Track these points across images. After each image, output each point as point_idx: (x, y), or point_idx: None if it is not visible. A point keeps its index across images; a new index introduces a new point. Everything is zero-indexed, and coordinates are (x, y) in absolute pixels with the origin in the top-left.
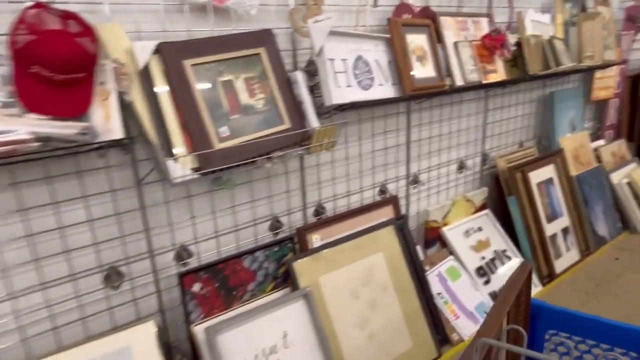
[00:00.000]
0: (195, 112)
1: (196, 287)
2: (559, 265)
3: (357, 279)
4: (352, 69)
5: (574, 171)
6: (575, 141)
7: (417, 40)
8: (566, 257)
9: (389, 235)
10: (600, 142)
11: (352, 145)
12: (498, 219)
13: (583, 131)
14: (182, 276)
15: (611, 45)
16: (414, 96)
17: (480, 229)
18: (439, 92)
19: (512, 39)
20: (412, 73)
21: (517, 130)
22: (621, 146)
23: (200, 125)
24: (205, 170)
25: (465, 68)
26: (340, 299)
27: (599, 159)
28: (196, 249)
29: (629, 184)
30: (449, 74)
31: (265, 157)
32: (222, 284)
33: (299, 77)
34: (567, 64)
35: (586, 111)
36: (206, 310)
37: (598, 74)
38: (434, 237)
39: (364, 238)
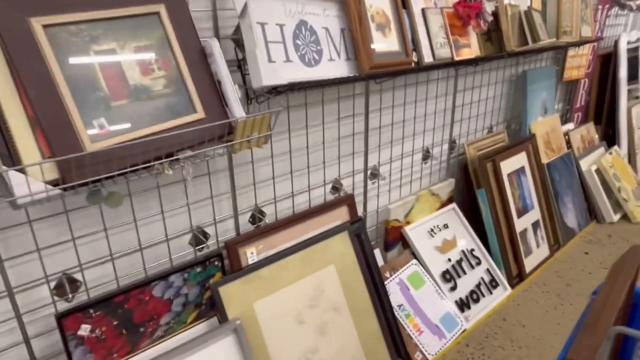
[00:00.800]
0: (53, 99)
1: (84, 330)
2: (529, 263)
3: (303, 301)
4: (293, 38)
5: (545, 158)
6: (546, 125)
7: (377, 3)
8: (536, 253)
9: (342, 243)
10: (570, 125)
11: (298, 134)
12: (466, 214)
13: (554, 114)
14: (60, 317)
15: (588, 19)
16: (373, 75)
17: (446, 226)
18: (404, 70)
19: (489, 7)
20: (371, 46)
21: (487, 114)
22: (590, 129)
23: (61, 117)
24: (71, 184)
25: (434, 41)
26: (281, 327)
27: (569, 144)
28: (85, 277)
29: (598, 171)
30: (415, 47)
31: (167, 160)
32: (124, 321)
33: (216, 48)
34: (545, 39)
35: (557, 92)
36: (101, 357)
37: (571, 52)
38: (396, 238)
39: (312, 249)
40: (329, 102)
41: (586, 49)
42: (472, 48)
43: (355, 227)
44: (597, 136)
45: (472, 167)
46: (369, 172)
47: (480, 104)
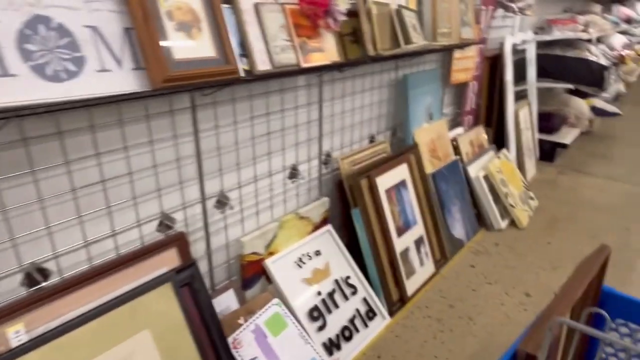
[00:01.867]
0: None
1: None
2: (412, 284)
3: None
4: (18, 41)
5: (430, 168)
6: (431, 132)
7: None
8: (420, 273)
9: (162, 299)
10: (459, 130)
11: (106, 158)
12: (344, 236)
13: (441, 119)
14: None
15: (469, 21)
16: (174, 88)
17: (318, 253)
18: (225, 81)
19: (343, 4)
20: (165, 51)
21: (367, 122)
22: (479, 133)
23: None
24: None
25: (272, 44)
26: None
27: (457, 150)
28: None
29: (486, 177)
30: (246, 52)
31: None
32: None
33: None
34: (418, 42)
35: (446, 96)
36: None
37: (457, 54)
38: (256, 273)
39: (113, 314)
40: (132, 123)
41: (472, 51)
42: (326, 52)
43: (184, 276)
44: (486, 140)
45: (348, 184)
46: (214, 199)
47: (357, 112)
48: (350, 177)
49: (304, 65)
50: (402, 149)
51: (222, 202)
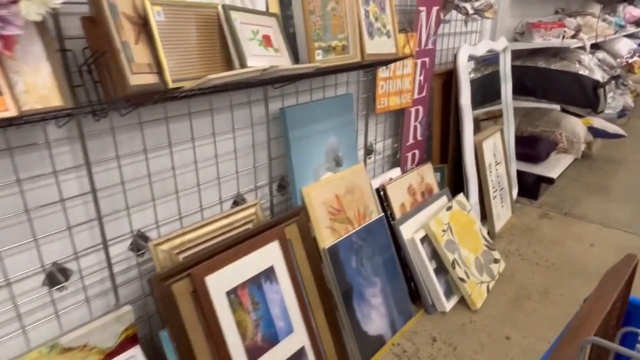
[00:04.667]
0: None
1: None
2: None
3: None
4: None
5: (329, 238)
6: (335, 186)
7: None
8: None
9: None
10: (394, 172)
11: None
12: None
13: (356, 164)
14: None
15: (388, 29)
16: None
17: None
18: None
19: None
20: None
21: (228, 178)
22: (425, 175)
23: None
24: None
25: None
26: None
27: (384, 203)
28: None
29: (426, 239)
30: None
31: None
32: None
33: None
34: (259, 64)
35: (376, 127)
36: None
37: (383, 72)
38: None
39: None
40: None
41: (409, 68)
42: (31, 93)
43: None
44: (436, 183)
45: (154, 289)
46: None
47: (207, 165)
48: (157, 278)
49: None
50: (277, 217)
51: None
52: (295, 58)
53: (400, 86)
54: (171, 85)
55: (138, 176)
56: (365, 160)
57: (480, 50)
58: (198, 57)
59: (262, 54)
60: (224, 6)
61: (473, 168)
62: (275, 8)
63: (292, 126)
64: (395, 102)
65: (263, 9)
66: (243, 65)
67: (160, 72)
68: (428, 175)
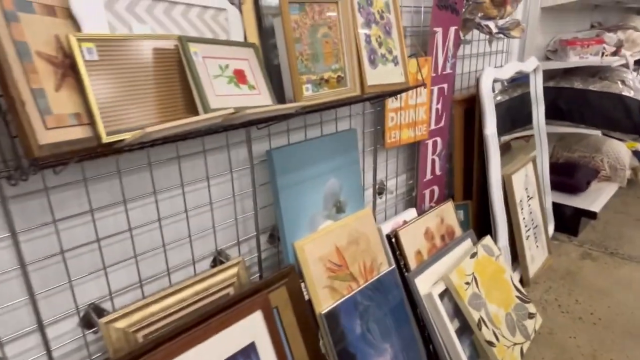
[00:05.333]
0: None
1: None
2: None
3: None
4: None
5: (328, 300)
6: (335, 237)
7: None
8: None
9: None
10: (409, 214)
11: None
12: None
13: (360, 210)
14: None
15: (395, 54)
16: None
17: None
18: None
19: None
20: None
21: (204, 235)
22: (446, 215)
23: None
24: None
25: None
26: None
27: (396, 252)
28: None
29: (446, 294)
30: None
31: None
32: None
33: None
34: (224, 106)
35: (392, 163)
36: None
37: (393, 103)
38: None
39: None
40: None
41: (424, 97)
42: None
43: None
44: (458, 224)
45: None
46: None
47: (176, 219)
48: None
49: None
50: (263, 280)
51: None
52: (282, 94)
53: (413, 117)
54: (106, 139)
55: (89, 239)
56: (374, 202)
57: (507, 72)
58: (151, 101)
59: (232, 93)
60: (180, 38)
61: (501, 206)
62: (253, 37)
63: (281, 170)
64: (409, 135)
65: (240, 38)
66: (205, 108)
67: (92, 123)
68: (449, 215)
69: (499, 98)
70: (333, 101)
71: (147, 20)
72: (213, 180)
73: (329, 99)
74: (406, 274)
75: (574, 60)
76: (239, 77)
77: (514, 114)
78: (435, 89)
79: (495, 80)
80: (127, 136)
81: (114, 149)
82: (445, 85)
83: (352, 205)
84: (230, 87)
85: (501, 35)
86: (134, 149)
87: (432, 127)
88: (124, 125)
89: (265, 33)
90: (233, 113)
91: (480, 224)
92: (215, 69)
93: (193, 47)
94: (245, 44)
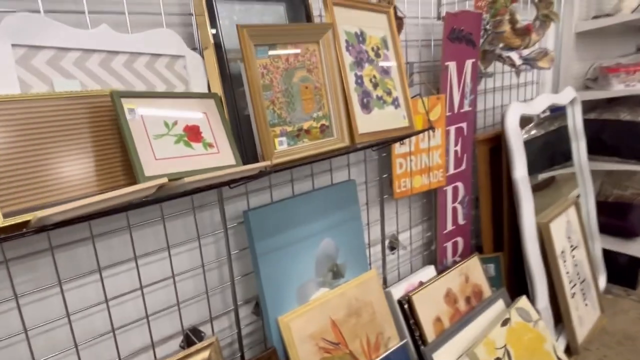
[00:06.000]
0: None
1: None
2: None
3: None
4: None
5: None
6: (333, 308)
7: None
8: None
9: None
10: (426, 273)
11: None
12: None
13: (363, 274)
14: None
15: (396, 95)
16: None
17: None
18: None
19: None
20: None
21: (169, 313)
22: (471, 273)
23: None
24: None
25: None
26: None
27: (409, 321)
28: None
29: None
30: None
31: None
32: None
33: None
34: (165, 172)
35: (404, 214)
36: None
37: (400, 147)
38: None
39: None
40: None
41: (439, 138)
42: None
43: None
44: (486, 282)
45: None
46: None
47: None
48: None
49: None
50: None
51: None
52: (255, 149)
53: (427, 162)
54: (1, 223)
55: (11, 334)
56: (384, 260)
57: (538, 106)
58: (80, 169)
59: (180, 155)
60: (112, 93)
61: (538, 259)
62: (217, 86)
63: (260, 234)
64: (422, 183)
65: (203, 87)
66: (138, 177)
67: None
68: (475, 272)
69: (533, 132)
70: (314, 155)
71: (77, 74)
72: (183, 246)
73: (308, 153)
74: (422, 348)
75: (618, 88)
76: (192, 134)
77: (551, 150)
78: (452, 129)
79: (523, 116)
80: (31, 217)
81: (16, 234)
82: (464, 125)
83: (353, 268)
84: (179, 148)
85: (526, 67)
86: (47, 230)
87: (451, 171)
88: (32, 203)
89: (233, 80)
90: (164, 185)
91: (514, 279)
92: (159, 127)
93: (128, 104)
94: (202, 94)
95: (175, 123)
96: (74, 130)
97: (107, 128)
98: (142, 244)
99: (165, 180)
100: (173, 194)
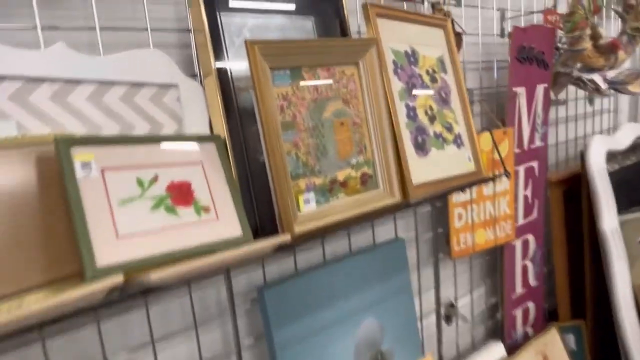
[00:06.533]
0: None
1: None
2: None
3: None
4: None
5: None
6: None
7: None
8: None
9: None
10: (491, 351)
11: None
12: None
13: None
14: None
15: (458, 131)
16: None
17: None
18: None
19: None
20: None
21: None
22: (549, 348)
23: None
24: None
25: None
26: None
27: None
28: None
29: None
30: None
31: None
32: None
33: None
34: (132, 258)
35: (464, 275)
36: None
37: (458, 196)
38: None
39: None
40: None
41: (506, 183)
42: None
43: None
44: (568, 357)
45: None
46: None
47: None
48: None
49: None
50: None
51: None
52: (271, 212)
53: (492, 212)
54: None
55: None
56: (439, 335)
57: (623, 140)
58: (15, 254)
59: (158, 227)
60: (56, 139)
61: (635, 330)
62: (220, 124)
63: (282, 320)
64: (487, 239)
65: (203, 126)
66: (84, 269)
67: None
68: (555, 349)
69: (607, 167)
70: (353, 219)
71: (14, 112)
72: (179, 336)
73: (344, 216)
74: None
75: None
76: (178, 195)
77: (631, 188)
78: (522, 169)
79: (608, 153)
80: None
81: None
82: (535, 164)
83: (403, 354)
84: (157, 217)
85: (613, 91)
86: None
87: (520, 221)
88: None
89: (243, 117)
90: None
91: (600, 353)
92: (128, 187)
93: (82, 155)
94: (199, 137)
95: (154, 179)
96: (4, 195)
97: (57, 191)
98: (119, 336)
99: (119, 279)
100: (148, 289)
